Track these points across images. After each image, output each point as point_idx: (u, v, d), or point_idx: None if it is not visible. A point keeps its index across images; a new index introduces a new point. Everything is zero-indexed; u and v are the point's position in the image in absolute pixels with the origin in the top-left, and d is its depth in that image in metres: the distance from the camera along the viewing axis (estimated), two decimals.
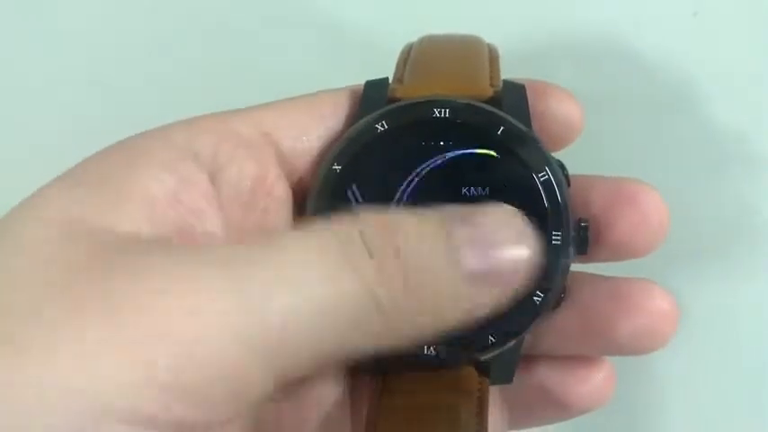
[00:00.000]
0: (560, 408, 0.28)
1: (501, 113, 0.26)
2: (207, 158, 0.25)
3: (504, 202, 0.25)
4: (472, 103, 0.26)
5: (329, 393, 0.28)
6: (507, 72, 0.28)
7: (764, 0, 0.36)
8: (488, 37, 0.30)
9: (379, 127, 0.26)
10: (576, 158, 0.28)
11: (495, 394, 0.27)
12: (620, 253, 0.27)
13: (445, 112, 0.26)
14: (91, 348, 0.18)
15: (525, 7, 0.36)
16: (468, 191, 0.26)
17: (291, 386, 0.21)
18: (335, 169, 0.26)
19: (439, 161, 0.26)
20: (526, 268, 0.21)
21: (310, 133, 0.27)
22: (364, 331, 0.20)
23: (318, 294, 0.19)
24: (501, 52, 0.29)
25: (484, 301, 0.21)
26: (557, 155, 0.27)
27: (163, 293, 0.19)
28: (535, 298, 0.25)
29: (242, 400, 0.20)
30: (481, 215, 0.21)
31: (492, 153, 0.26)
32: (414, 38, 0.29)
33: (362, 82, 0.28)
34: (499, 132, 0.26)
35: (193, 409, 0.18)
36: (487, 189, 0.26)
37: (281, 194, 0.26)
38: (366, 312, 0.20)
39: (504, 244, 0.21)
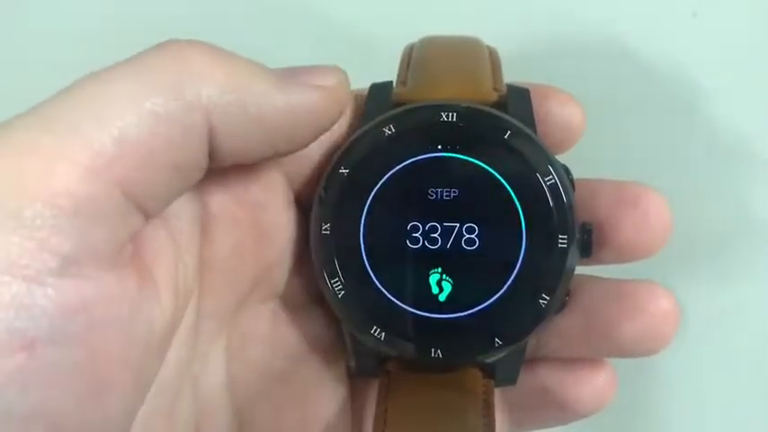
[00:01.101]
0: (561, 410, 0.28)
1: (507, 117, 0.26)
2: None
3: (510, 206, 0.26)
4: (479, 107, 0.26)
5: (332, 394, 0.28)
6: (506, 72, 0.29)
7: (764, 0, 0.36)
8: (486, 37, 0.30)
9: (387, 130, 0.26)
10: (575, 159, 0.28)
11: (496, 396, 0.27)
12: (623, 255, 0.27)
13: (452, 115, 0.26)
14: None
15: (523, 7, 0.36)
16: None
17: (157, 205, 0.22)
18: (343, 173, 0.26)
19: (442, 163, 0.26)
20: (339, 80, 0.25)
21: None
22: (190, 135, 0.21)
23: (136, 106, 0.20)
24: (500, 53, 0.29)
25: (307, 99, 0.23)
26: (558, 157, 0.27)
27: None
28: (541, 301, 0.26)
29: (94, 228, 0.20)
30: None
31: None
32: (411, 38, 0.30)
33: (359, 82, 0.28)
34: (506, 136, 0.26)
35: (35, 246, 0.19)
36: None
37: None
38: (186, 119, 0.21)
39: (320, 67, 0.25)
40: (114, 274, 0.20)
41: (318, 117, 0.24)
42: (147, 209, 0.21)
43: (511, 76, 0.29)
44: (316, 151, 0.27)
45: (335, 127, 0.27)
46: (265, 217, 0.26)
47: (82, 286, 0.19)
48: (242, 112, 0.22)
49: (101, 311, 0.20)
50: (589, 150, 0.29)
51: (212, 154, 0.22)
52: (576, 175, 0.27)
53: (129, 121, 0.20)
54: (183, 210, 0.24)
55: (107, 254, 0.20)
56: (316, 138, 0.25)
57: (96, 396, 0.20)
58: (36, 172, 0.19)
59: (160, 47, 0.22)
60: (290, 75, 0.24)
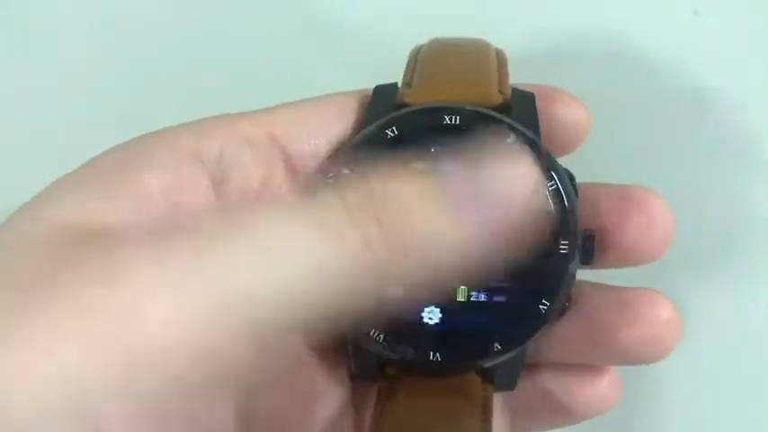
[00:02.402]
0: (564, 413, 0.28)
1: (510, 122, 0.26)
2: (212, 160, 0.25)
3: None
4: (482, 110, 0.26)
5: (333, 397, 0.28)
6: (510, 73, 0.28)
7: None
8: (491, 38, 0.29)
9: (389, 132, 0.26)
10: (575, 159, 0.28)
11: (497, 399, 0.27)
12: (625, 260, 0.27)
13: (455, 119, 0.26)
14: (53, 343, 0.18)
15: (525, 9, 0.36)
16: None
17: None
18: (345, 174, 0.26)
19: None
20: (531, 220, 0.20)
21: (318, 136, 0.27)
22: (358, 293, 0.20)
23: (305, 261, 0.19)
24: (504, 52, 0.29)
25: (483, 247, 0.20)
26: (562, 158, 0.27)
27: (144, 287, 0.18)
28: (541, 306, 0.26)
29: (228, 378, 0.20)
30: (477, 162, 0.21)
31: None
32: (419, 40, 0.29)
33: (367, 84, 0.28)
34: (508, 141, 0.26)
35: (180, 394, 0.18)
36: None
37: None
38: (358, 270, 0.20)
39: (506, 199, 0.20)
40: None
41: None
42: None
43: (512, 76, 0.28)
44: (324, 151, 0.27)
45: (339, 128, 0.27)
46: None
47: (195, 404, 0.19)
48: None
49: (201, 416, 0.20)
50: (588, 150, 0.29)
51: None
52: (575, 172, 0.27)
53: (295, 282, 0.19)
54: None
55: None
56: None
57: None
58: (197, 333, 0.18)
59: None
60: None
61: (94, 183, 0.23)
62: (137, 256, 0.19)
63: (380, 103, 0.27)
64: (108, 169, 0.23)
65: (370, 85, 0.27)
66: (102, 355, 0.18)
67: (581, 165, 0.27)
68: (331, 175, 0.26)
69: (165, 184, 0.23)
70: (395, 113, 0.26)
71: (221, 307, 0.18)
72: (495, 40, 0.29)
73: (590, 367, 0.28)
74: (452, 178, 0.20)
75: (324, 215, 0.20)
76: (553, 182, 0.26)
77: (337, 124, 0.27)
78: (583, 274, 0.27)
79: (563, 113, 0.27)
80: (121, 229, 0.21)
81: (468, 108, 0.26)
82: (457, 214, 0.20)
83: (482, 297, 0.26)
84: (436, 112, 0.26)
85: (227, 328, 0.18)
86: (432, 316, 0.26)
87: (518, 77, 0.28)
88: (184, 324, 0.18)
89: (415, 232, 0.20)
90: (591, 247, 0.26)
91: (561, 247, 0.26)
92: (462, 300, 0.26)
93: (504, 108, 0.27)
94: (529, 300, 0.26)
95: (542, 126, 0.27)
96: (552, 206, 0.26)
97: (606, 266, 0.27)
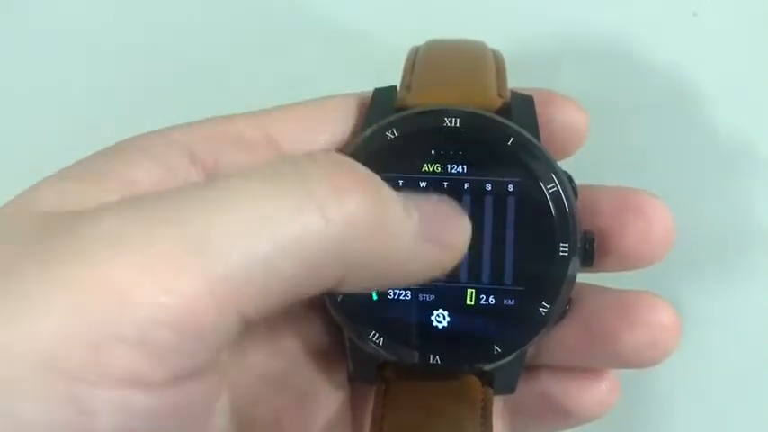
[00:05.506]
0: (563, 416, 0.28)
1: (511, 124, 0.26)
2: (206, 159, 0.25)
3: (513, 214, 0.26)
4: (483, 113, 0.26)
5: (331, 399, 0.28)
6: (508, 74, 0.28)
7: (764, 0, 0.36)
8: (488, 39, 0.29)
9: (390, 134, 0.26)
10: (575, 160, 0.28)
11: (497, 402, 0.27)
12: (625, 263, 0.27)
13: (456, 121, 0.26)
14: (45, 311, 0.18)
15: (524, 8, 0.35)
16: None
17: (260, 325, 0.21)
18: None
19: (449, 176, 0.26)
20: (466, 239, 0.23)
21: (316, 139, 0.27)
22: (326, 269, 0.20)
23: (280, 233, 0.19)
24: (502, 54, 0.29)
25: (433, 258, 0.22)
26: (560, 161, 0.27)
27: (114, 257, 0.18)
28: (541, 309, 0.26)
29: (210, 349, 0.19)
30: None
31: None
32: (415, 40, 0.29)
33: (367, 85, 0.28)
34: (509, 143, 0.26)
35: (158, 364, 0.19)
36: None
37: None
38: (327, 249, 0.20)
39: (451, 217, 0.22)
40: (206, 382, 0.20)
41: (431, 271, 0.22)
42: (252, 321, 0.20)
43: (511, 77, 0.28)
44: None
45: (338, 131, 0.26)
46: None
47: (181, 394, 0.20)
48: (375, 251, 0.21)
49: (190, 413, 0.20)
50: (588, 151, 0.29)
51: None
52: (574, 174, 0.27)
53: (267, 248, 0.19)
54: None
55: (208, 367, 0.20)
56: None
57: None
58: (173, 301, 0.18)
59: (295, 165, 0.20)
60: (429, 227, 0.21)
61: (81, 171, 0.23)
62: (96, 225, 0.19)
63: (380, 105, 0.27)
64: (96, 160, 0.23)
65: (370, 86, 0.27)
66: (79, 329, 0.18)
67: (580, 166, 0.27)
68: None
69: (154, 176, 0.23)
70: (396, 115, 0.26)
71: (197, 272, 0.18)
72: (494, 41, 0.29)
73: (589, 370, 0.28)
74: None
75: (307, 185, 0.20)
76: (553, 184, 0.26)
77: (335, 127, 0.27)
78: (582, 277, 0.27)
79: (561, 118, 0.27)
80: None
81: (469, 110, 0.26)
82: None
83: (492, 300, 0.26)
84: (437, 114, 0.26)
85: (207, 296, 0.18)
86: (440, 319, 0.26)
87: (516, 79, 0.28)
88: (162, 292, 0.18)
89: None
90: (591, 250, 0.26)
91: (561, 249, 0.26)
92: (471, 303, 0.26)
93: (504, 111, 0.27)
94: (529, 302, 0.26)
95: (541, 130, 0.27)
96: (552, 208, 0.26)
97: (606, 270, 0.27)
